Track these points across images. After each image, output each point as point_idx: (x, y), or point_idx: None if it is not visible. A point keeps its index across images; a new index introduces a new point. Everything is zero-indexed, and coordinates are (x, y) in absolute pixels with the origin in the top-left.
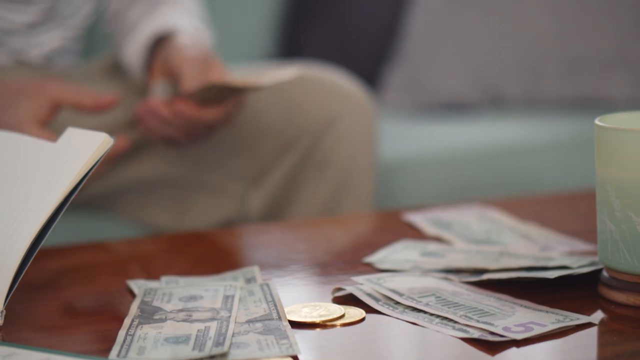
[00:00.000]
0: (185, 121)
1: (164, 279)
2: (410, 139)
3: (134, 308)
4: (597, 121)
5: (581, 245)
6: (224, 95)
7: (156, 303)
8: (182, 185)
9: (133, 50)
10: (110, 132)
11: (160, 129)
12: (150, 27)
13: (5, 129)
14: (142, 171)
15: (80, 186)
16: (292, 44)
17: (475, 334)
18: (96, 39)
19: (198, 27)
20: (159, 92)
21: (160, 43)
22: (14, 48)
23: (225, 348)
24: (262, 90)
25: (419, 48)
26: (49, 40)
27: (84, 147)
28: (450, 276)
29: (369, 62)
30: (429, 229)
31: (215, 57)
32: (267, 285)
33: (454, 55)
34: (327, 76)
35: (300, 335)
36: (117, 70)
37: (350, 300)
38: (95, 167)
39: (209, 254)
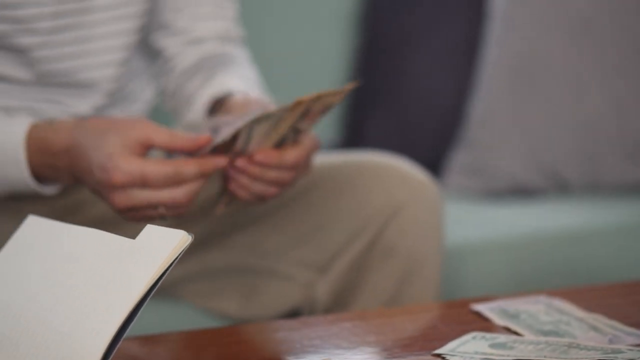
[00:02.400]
0: (271, 171)
1: None
2: (473, 224)
3: None
4: None
5: None
6: (296, 125)
7: None
8: (250, 273)
9: (193, 119)
10: (178, 222)
11: (250, 186)
12: (206, 94)
13: (97, 162)
14: (211, 259)
15: (159, 284)
16: (355, 132)
17: None
18: (161, 118)
19: (254, 88)
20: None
21: (216, 108)
22: None
23: None
24: (335, 100)
25: (481, 132)
26: None
27: (162, 245)
28: None
29: (432, 147)
30: (497, 319)
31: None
32: None
33: (515, 139)
34: (392, 163)
35: None
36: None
37: None
38: (172, 265)
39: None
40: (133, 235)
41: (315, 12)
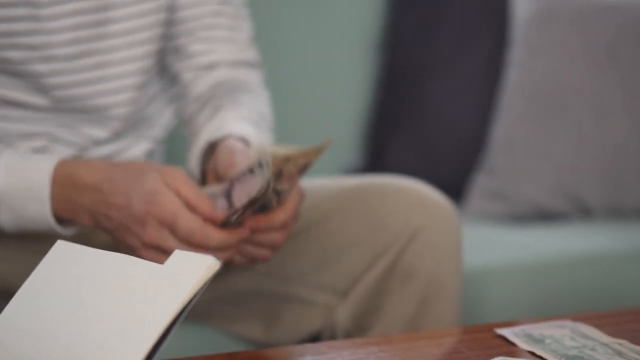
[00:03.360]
0: (261, 234)
1: None
2: (495, 248)
3: None
4: None
5: None
6: (277, 187)
7: None
8: (272, 298)
9: (193, 158)
10: None
11: (241, 250)
12: (206, 134)
13: (140, 198)
14: (234, 283)
15: (187, 310)
16: (377, 157)
17: None
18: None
19: (257, 124)
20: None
21: (211, 153)
22: (102, 156)
23: None
24: (309, 160)
25: (502, 157)
26: (133, 149)
27: (190, 271)
28: None
29: (455, 172)
30: (522, 344)
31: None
32: None
33: (537, 164)
34: (410, 187)
35: None
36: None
37: None
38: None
39: None
40: None
41: (337, 37)
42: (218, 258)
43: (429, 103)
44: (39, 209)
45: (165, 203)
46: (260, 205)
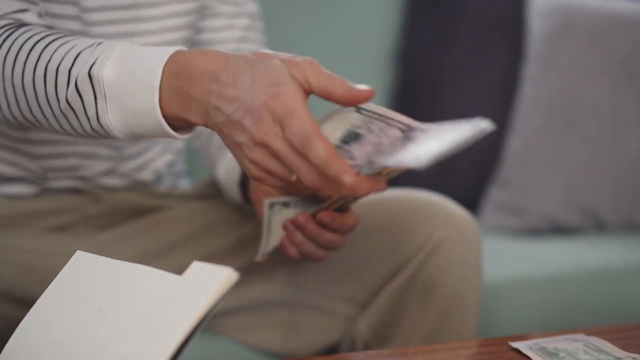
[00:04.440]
0: (328, 233)
1: None
2: (509, 261)
3: None
4: None
5: None
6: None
7: None
8: (291, 308)
9: (226, 168)
10: (218, 256)
11: (301, 245)
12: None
13: (261, 88)
14: (252, 293)
15: (206, 321)
16: None
17: None
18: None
19: None
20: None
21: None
22: (126, 171)
23: None
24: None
25: (517, 171)
26: (157, 162)
27: (209, 282)
28: None
29: (469, 185)
30: (537, 357)
31: None
32: None
33: (551, 178)
34: (432, 200)
35: None
36: (216, 190)
37: None
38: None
39: None
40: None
41: (353, 49)
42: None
43: (444, 116)
44: (148, 100)
45: (287, 96)
46: (341, 203)
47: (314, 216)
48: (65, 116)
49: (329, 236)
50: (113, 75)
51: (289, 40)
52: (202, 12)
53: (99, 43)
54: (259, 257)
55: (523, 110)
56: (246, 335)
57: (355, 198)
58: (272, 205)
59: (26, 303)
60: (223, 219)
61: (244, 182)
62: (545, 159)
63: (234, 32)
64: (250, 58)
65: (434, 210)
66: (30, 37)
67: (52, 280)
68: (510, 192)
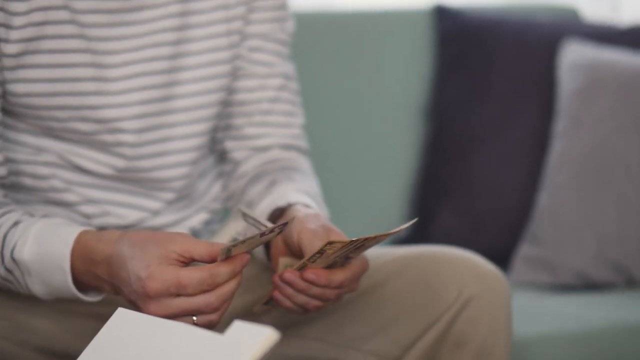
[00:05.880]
0: (317, 288)
1: None
2: (540, 316)
3: None
4: None
5: None
6: (348, 254)
7: None
8: None
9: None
10: (250, 312)
11: (294, 297)
12: (267, 203)
13: (134, 272)
14: (285, 348)
15: None
16: (423, 223)
17: None
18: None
19: (314, 200)
20: (281, 268)
21: (276, 220)
22: (157, 225)
23: None
24: (385, 239)
25: (547, 226)
26: (190, 220)
27: (250, 342)
28: None
29: (500, 240)
30: None
31: (333, 227)
32: None
33: (582, 233)
34: (463, 256)
35: None
36: None
37: None
38: None
39: None
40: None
41: (384, 105)
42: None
43: (475, 172)
44: (62, 280)
45: (159, 274)
46: (328, 265)
47: (301, 268)
48: (7, 281)
49: (317, 290)
50: (31, 257)
51: (322, 97)
52: (235, 73)
53: (19, 222)
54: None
55: (553, 166)
56: None
57: (348, 257)
58: (245, 217)
59: (66, 359)
60: (255, 275)
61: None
62: (576, 215)
63: (266, 93)
64: (132, 243)
65: (464, 265)
66: None
67: (93, 337)
68: (540, 247)
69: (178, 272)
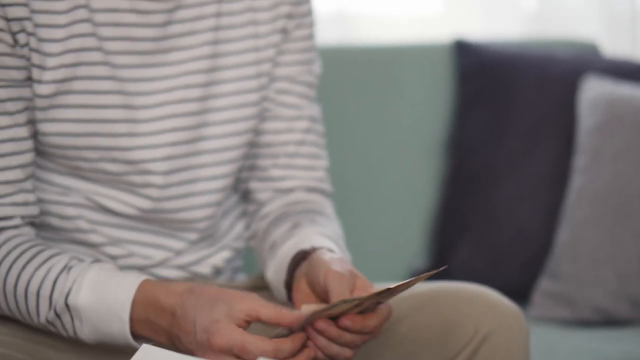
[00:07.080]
0: (349, 334)
1: None
2: (561, 352)
3: None
4: None
5: None
6: (380, 299)
7: None
8: None
9: (274, 270)
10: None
11: (327, 347)
12: (291, 245)
13: (201, 324)
14: None
15: None
16: (442, 257)
17: None
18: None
19: (337, 244)
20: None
21: (299, 263)
22: (181, 264)
23: None
24: (410, 287)
25: (567, 262)
26: (213, 258)
27: None
28: None
29: (520, 275)
30: None
31: (358, 272)
32: None
33: (602, 269)
34: (481, 292)
35: None
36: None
37: None
38: None
39: None
40: None
41: (404, 140)
42: None
43: (495, 206)
44: (119, 327)
45: (227, 331)
46: (361, 310)
47: (335, 318)
48: (51, 325)
49: (349, 337)
50: (87, 303)
51: (343, 132)
52: (262, 114)
53: (71, 267)
54: None
55: (573, 201)
56: None
57: (379, 302)
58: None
59: None
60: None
61: (289, 283)
62: (596, 250)
63: (293, 136)
64: (200, 296)
65: (481, 302)
66: (7, 254)
67: None
68: (560, 282)
69: (246, 336)
